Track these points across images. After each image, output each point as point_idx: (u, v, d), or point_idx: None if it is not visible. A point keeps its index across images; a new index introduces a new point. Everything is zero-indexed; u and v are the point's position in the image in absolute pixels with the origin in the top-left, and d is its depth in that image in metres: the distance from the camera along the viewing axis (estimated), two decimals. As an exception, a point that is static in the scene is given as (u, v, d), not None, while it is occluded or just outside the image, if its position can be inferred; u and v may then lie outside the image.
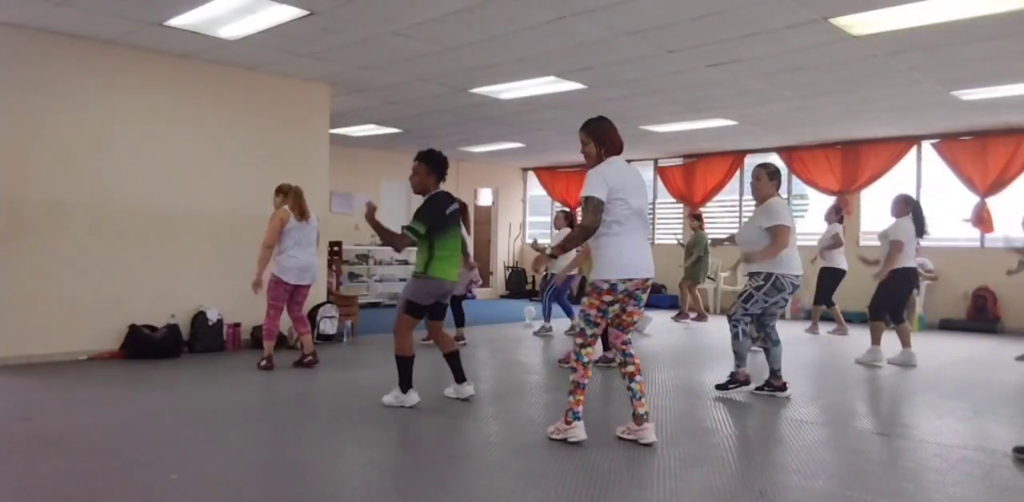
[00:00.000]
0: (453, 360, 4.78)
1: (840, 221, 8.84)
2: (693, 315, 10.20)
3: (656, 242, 12.59)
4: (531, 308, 9.79)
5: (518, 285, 14.46)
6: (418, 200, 4.69)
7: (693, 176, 12.40)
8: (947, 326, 9.63)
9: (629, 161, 4.44)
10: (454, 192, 4.99)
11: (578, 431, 3.79)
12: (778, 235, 4.89)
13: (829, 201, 10.39)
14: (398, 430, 4.15)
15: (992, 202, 9.60)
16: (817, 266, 8.65)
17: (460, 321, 7.48)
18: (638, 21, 5.43)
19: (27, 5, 5.38)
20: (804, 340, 8.28)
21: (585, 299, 3.77)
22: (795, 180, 11.39)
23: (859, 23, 5.35)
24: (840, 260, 8.56)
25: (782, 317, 5.48)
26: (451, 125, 10.00)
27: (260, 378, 5.63)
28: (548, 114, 9.10)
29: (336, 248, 9.79)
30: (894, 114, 8.72)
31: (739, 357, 5.14)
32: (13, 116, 5.89)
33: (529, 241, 11.61)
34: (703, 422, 4.42)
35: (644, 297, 3.84)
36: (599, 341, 6.37)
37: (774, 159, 11.18)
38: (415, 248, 4.61)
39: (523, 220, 15.37)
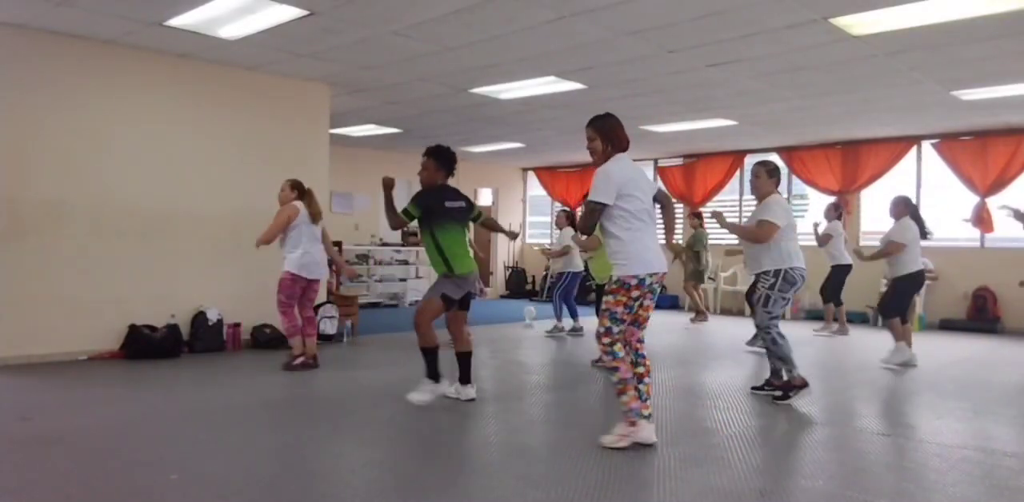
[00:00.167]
0: (464, 360, 4.78)
1: (839, 218, 8.85)
2: (693, 315, 10.20)
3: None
4: (531, 308, 9.79)
5: (518, 285, 14.46)
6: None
7: (693, 176, 12.39)
8: (947, 326, 9.62)
9: (629, 161, 4.45)
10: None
11: (646, 432, 3.66)
12: (760, 225, 4.93)
13: (829, 201, 10.38)
14: (398, 430, 4.15)
15: (992, 202, 9.59)
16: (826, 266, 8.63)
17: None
18: (638, 21, 5.43)
19: (27, 5, 5.38)
20: (804, 340, 8.28)
21: (610, 297, 3.69)
22: (795, 180, 11.39)
23: (859, 23, 5.35)
24: (844, 256, 8.56)
25: (783, 317, 5.46)
26: (451, 125, 9.99)
27: (260, 378, 5.62)
28: (548, 114, 9.10)
29: (336, 248, 9.78)
30: (894, 114, 8.72)
31: (786, 361, 4.88)
32: (13, 116, 5.89)
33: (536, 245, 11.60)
34: (703, 422, 4.42)
35: (658, 291, 3.82)
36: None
37: (774, 159, 11.15)
38: (422, 250, 4.64)
39: (523, 220, 15.36)
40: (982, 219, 9.61)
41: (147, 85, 6.57)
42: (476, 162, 13.86)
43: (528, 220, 15.49)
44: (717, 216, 5.31)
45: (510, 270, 14.75)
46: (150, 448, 3.66)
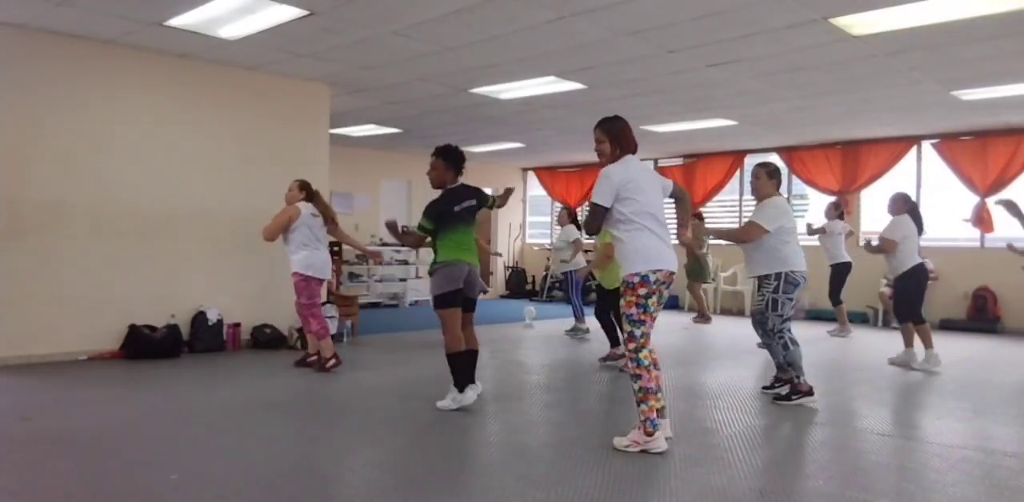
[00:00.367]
0: (470, 359, 4.75)
1: (840, 217, 8.85)
2: (695, 315, 10.20)
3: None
4: (531, 308, 9.79)
5: (518, 285, 14.46)
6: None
7: (693, 176, 12.39)
8: (947, 326, 9.62)
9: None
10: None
11: (660, 441, 3.62)
12: (745, 225, 4.96)
13: (829, 201, 10.37)
14: (398, 430, 4.15)
15: (992, 202, 9.59)
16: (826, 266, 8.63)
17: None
18: (638, 21, 5.43)
19: (27, 5, 5.38)
20: (804, 340, 8.26)
21: (622, 300, 3.70)
22: (795, 180, 11.39)
23: (859, 23, 5.35)
24: (842, 254, 8.55)
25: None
26: (451, 125, 9.99)
27: (260, 378, 5.63)
28: (548, 114, 9.10)
29: (336, 248, 9.78)
30: (894, 114, 8.72)
31: (796, 367, 4.89)
32: (13, 116, 5.89)
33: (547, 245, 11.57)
34: (703, 422, 4.42)
35: (666, 291, 3.78)
36: (608, 336, 6.42)
37: (774, 159, 11.16)
38: (422, 250, 4.63)
39: (523, 220, 15.36)
40: (982, 219, 9.61)
41: (147, 85, 6.57)
42: (476, 162, 13.82)
43: (528, 220, 15.49)
44: (696, 230, 5.23)
45: (510, 270, 14.75)
46: (150, 448, 3.66)
